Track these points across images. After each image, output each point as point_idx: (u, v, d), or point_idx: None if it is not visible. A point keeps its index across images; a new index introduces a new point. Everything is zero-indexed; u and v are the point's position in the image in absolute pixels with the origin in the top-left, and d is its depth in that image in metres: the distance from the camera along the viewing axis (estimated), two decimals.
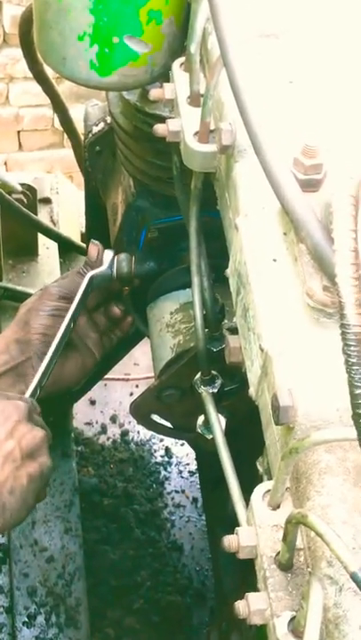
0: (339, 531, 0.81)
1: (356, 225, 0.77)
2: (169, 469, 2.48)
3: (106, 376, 2.25)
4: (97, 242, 1.62)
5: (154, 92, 1.29)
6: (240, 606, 0.89)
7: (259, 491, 0.94)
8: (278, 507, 0.92)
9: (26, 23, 1.89)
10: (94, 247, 1.61)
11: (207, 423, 1.42)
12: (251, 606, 0.88)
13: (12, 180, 2.27)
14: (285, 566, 0.88)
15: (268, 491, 0.93)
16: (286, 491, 0.90)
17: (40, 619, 2.03)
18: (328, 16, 1.24)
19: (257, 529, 0.91)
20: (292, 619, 0.84)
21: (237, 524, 1.06)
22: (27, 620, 2.03)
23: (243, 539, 0.92)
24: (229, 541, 0.93)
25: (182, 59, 1.25)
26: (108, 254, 1.61)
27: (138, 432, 2.53)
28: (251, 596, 0.89)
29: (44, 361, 1.52)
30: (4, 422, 1.34)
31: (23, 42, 1.95)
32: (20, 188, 2.28)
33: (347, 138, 1.07)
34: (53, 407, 1.60)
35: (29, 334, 1.56)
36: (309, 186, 0.97)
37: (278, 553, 0.89)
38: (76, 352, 1.61)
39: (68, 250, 2.50)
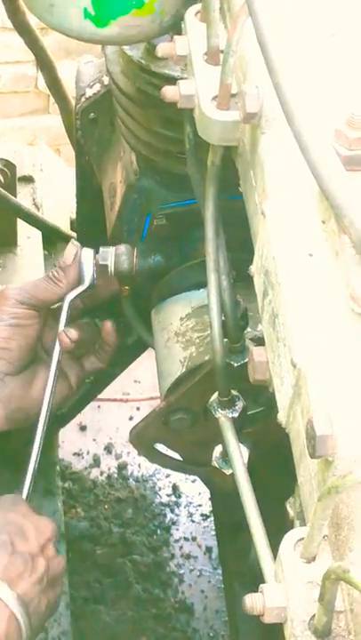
0: None
1: None
2: (177, 512, 2.49)
3: (99, 396, 2.26)
4: (77, 243, 1.62)
5: (162, 48, 1.29)
6: None
7: (290, 539, 0.95)
8: (314, 559, 0.92)
9: None
10: (73, 248, 1.61)
11: (226, 455, 1.42)
12: None
13: None
14: (322, 633, 0.88)
15: (302, 539, 0.93)
16: (324, 539, 0.91)
17: None
18: None
19: (287, 586, 0.92)
20: None
21: (262, 581, 1.06)
22: None
23: (269, 598, 0.92)
24: (253, 601, 0.93)
25: (198, 6, 1.26)
26: (87, 255, 1.61)
27: (139, 465, 2.54)
28: None
29: (33, 447, 1.57)
30: (37, 536, 1.48)
31: None
32: None
33: None
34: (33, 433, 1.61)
35: None
36: (355, 164, 0.97)
37: (313, 616, 0.89)
38: (46, 369, 1.61)
39: (54, 240, 2.51)
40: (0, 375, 1.56)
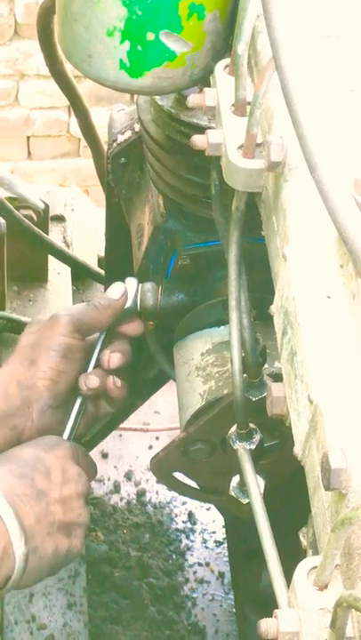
0: None
1: None
2: (192, 538, 2.47)
3: (121, 425, 2.26)
4: (123, 283, 1.59)
5: (192, 98, 1.30)
6: None
7: (303, 567, 0.94)
8: (326, 587, 0.92)
9: (46, 14, 1.92)
10: (121, 286, 1.58)
11: (243, 485, 1.41)
12: None
13: (32, 194, 2.29)
14: None
15: (315, 568, 0.93)
16: (336, 568, 0.90)
17: None
18: None
19: (300, 612, 0.91)
20: None
21: (275, 606, 1.06)
22: None
23: (283, 623, 0.92)
24: (267, 626, 0.93)
25: (227, 60, 1.27)
26: (132, 283, 1.61)
27: (157, 492, 2.53)
28: None
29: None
30: (62, 483, 1.42)
31: (42, 35, 1.98)
32: (41, 205, 2.30)
33: None
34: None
35: (36, 378, 1.50)
36: None
37: None
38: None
39: (82, 276, 2.52)
40: (44, 407, 1.50)
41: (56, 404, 1.51)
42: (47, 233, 2.39)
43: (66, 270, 2.49)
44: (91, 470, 1.53)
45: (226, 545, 2.40)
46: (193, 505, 2.50)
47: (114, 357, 1.55)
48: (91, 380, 1.53)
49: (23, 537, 1.34)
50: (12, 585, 1.35)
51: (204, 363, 1.58)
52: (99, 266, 2.50)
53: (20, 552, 1.34)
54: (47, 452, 1.43)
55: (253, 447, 1.41)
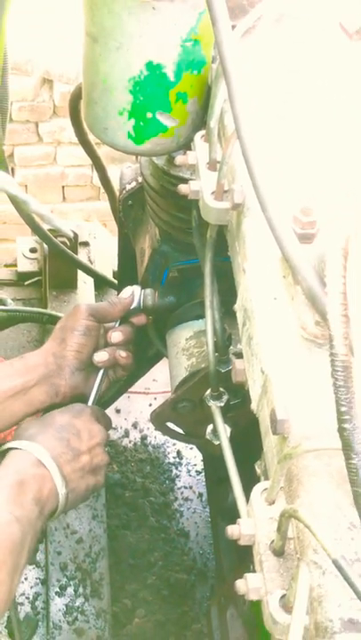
0: (323, 524, 0.81)
1: (345, 272, 0.78)
2: (180, 469, 2.47)
3: (129, 390, 2.25)
4: (132, 288, 1.61)
5: (179, 158, 1.29)
6: (240, 584, 0.89)
7: (257, 489, 0.94)
8: (274, 502, 0.92)
9: (75, 99, 1.91)
10: (130, 290, 1.61)
11: (215, 431, 1.41)
12: (249, 585, 0.88)
13: (65, 227, 2.29)
14: (278, 552, 0.88)
15: (266, 489, 0.93)
16: (280, 489, 0.90)
17: (70, 590, 2.02)
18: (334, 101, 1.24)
19: (256, 520, 0.91)
20: (283, 596, 0.84)
21: (238, 516, 1.06)
22: (58, 590, 2.03)
23: (244, 528, 0.92)
24: (232, 530, 0.93)
25: (203, 131, 1.26)
26: (137, 289, 1.62)
27: (155, 437, 2.52)
28: (249, 576, 0.88)
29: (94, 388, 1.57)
30: (88, 439, 1.44)
31: (72, 114, 1.97)
32: (71, 234, 2.30)
33: (340, 196, 1.07)
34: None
35: (65, 350, 1.55)
36: (305, 238, 0.97)
37: (273, 541, 0.88)
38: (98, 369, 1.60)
39: (102, 285, 2.52)
40: (73, 369, 1.54)
41: (81, 367, 1.56)
42: (76, 254, 2.38)
43: (90, 280, 2.49)
44: (108, 424, 1.57)
45: (204, 474, 2.40)
46: (180, 445, 2.49)
47: (114, 334, 1.59)
48: (99, 355, 1.57)
49: (64, 482, 1.37)
50: (59, 513, 1.39)
51: (188, 345, 1.58)
52: (113, 277, 2.49)
53: (63, 492, 1.37)
54: (77, 418, 1.46)
55: (223, 404, 1.41)
